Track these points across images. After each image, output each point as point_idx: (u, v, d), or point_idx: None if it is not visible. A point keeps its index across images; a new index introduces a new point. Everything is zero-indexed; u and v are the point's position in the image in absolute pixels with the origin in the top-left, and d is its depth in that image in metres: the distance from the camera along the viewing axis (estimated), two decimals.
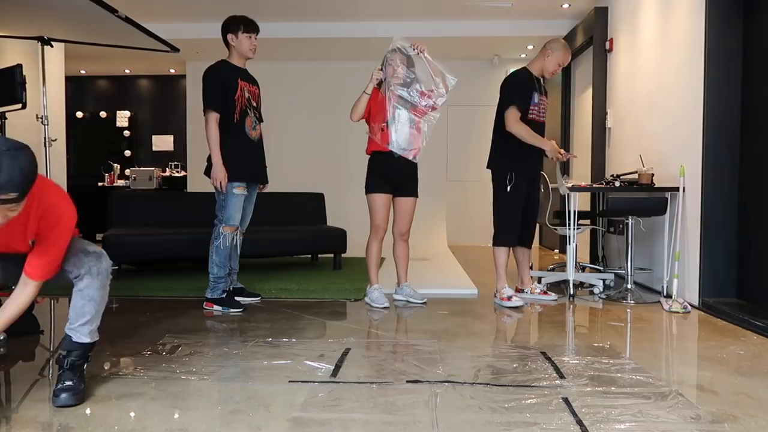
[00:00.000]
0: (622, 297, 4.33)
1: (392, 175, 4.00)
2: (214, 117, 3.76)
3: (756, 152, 3.82)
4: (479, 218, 8.64)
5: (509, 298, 4.05)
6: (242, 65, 3.94)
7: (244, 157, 3.85)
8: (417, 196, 4.13)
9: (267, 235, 5.34)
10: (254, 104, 3.94)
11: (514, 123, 4.03)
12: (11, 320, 2.11)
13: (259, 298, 4.19)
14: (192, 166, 9.12)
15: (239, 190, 3.83)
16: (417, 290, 4.18)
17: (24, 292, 2.10)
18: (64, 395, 2.12)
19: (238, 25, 3.84)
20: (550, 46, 4.13)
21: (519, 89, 4.09)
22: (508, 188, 4.09)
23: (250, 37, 3.85)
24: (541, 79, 4.21)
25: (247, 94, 3.87)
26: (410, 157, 3.94)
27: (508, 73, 4.34)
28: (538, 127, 4.14)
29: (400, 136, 3.90)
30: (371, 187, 4.03)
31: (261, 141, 3.99)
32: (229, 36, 3.86)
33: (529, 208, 4.26)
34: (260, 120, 4.02)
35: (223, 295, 3.89)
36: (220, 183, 3.76)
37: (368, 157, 4.08)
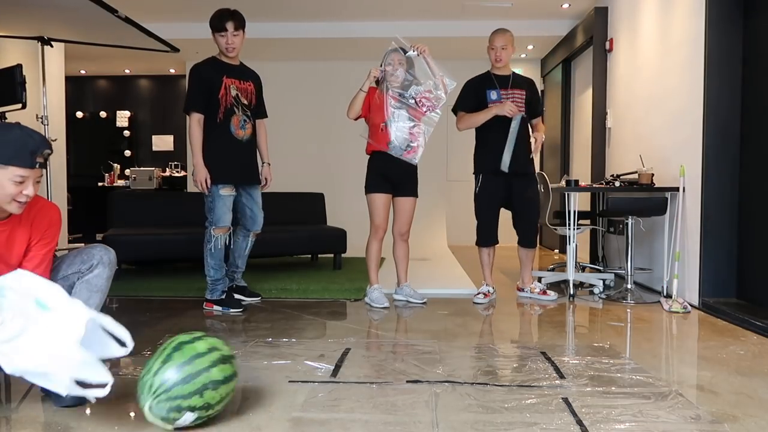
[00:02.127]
0: (622, 297, 4.33)
1: (391, 175, 3.99)
2: (195, 118, 3.71)
3: (756, 152, 3.82)
4: None
5: (476, 294, 4.22)
6: (234, 61, 3.84)
7: (229, 157, 3.76)
8: (417, 196, 4.13)
9: (267, 235, 5.32)
10: (245, 101, 3.82)
11: (457, 124, 4.27)
12: None
13: (259, 298, 4.18)
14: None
15: (225, 191, 3.75)
16: (417, 290, 4.18)
17: None
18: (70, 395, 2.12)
19: (212, 23, 3.73)
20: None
21: (461, 97, 4.26)
22: (476, 190, 4.24)
23: (222, 35, 3.71)
24: (510, 74, 4.23)
25: (234, 92, 3.76)
26: (409, 159, 3.92)
27: None
28: (507, 120, 4.06)
29: (399, 137, 3.89)
30: (370, 187, 4.03)
31: (252, 140, 3.88)
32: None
33: (521, 206, 4.25)
34: (258, 116, 3.95)
35: (223, 296, 3.88)
36: (201, 184, 3.70)
37: (368, 157, 4.08)
